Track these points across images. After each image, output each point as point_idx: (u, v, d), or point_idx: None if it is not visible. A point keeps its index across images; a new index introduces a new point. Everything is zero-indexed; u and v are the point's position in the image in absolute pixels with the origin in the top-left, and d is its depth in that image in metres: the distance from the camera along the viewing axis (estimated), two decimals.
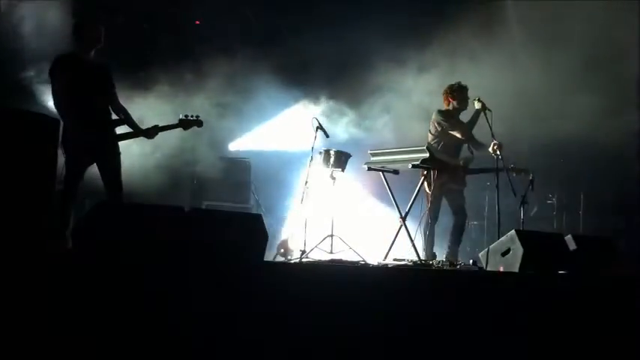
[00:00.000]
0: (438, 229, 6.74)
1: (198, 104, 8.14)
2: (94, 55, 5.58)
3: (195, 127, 6.15)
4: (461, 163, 6.67)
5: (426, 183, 6.53)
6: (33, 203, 4.32)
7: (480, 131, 6.77)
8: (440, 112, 6.75)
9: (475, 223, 9.22)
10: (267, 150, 9.68)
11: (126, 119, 5.66)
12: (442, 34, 8.77)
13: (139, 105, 7.08)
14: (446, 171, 6.52)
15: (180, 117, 6.05)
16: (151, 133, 5.79)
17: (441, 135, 6.67)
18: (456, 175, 6.62)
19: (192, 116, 6.05)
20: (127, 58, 8.02)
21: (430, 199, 6.61)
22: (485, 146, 6.71)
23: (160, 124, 5.93)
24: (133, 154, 6.56)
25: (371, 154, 6.60)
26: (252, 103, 9.40)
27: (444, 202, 6.79)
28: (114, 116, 5.66)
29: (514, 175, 6.69)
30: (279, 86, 9.12)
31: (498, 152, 6.46)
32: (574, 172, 9.65)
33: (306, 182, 6.96)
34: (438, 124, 6.69)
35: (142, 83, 8.06)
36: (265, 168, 9.27)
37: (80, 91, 5.37)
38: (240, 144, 9.86)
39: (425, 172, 6.49)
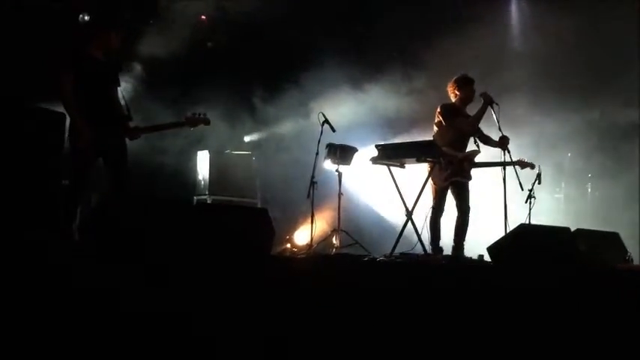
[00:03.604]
0: (447, 223, 6.72)
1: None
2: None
3: (202, 125, 6.10)
4: (467, 156, 6.65)
5: (431, 176, 6.52)
6: (38, 196, 4.34)
7: (487, 125, 6.76)
8: (443, 106, 6.72)
9: (481, 217, 9.20)
10: (276, 143, 9.68)
11: (129, 115, 5.65)
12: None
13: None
14: (451, 164, 6.51)
15: (188, 115, 6.01)
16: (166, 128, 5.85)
17: (446, 129, 6.65)
18: (462, 168, 6.61)
19: (199, 114, 6.00)
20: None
21: (435, 192, 6.60)
22: (492, 140, 6.70)
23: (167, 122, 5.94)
24: (138, 150, 6.56)
25: (377, 148, 6.58)
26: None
27: (450, 196, 6.77)
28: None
29: (520, 168, 6.68)
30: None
31: (505, 146, 6.46)
32: (581, 165, 9.63)
33: (313, 177, 6.96)
34: (442, 118, 6.67)
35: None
36: (272, 163, 9.28)
37: (89, 86, 5.36)
38: (255, 136, 9.89)
39: (431, 166, 6.48)
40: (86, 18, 5.41)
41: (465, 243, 6.70)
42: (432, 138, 6.67)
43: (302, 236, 8.18)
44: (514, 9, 10.02)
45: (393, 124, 9.02)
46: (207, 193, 8.76)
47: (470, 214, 6.69)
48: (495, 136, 6.64)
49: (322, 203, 7.68)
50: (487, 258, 5.72)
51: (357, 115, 8.96)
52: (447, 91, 6.89)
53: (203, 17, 9.34)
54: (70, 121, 5.21)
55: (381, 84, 9.15)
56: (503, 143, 6.49)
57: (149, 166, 7.95)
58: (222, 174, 8.84)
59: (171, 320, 3.36)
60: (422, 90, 8.61)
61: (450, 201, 6.74)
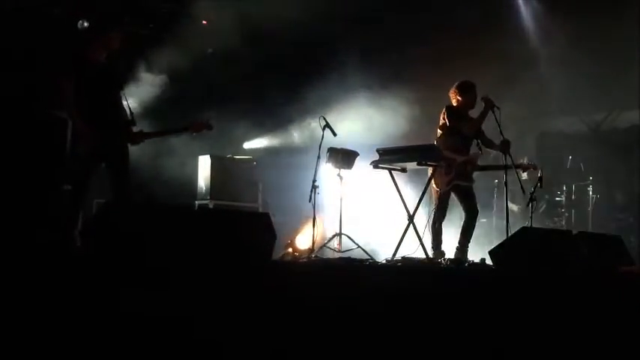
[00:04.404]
0: (449, 227, 6.71)
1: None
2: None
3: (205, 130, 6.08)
4: (469, 159, 6.65)
5: (433, 180, 6.52)
6: (40, 200, 4.34)
7: (488, 129, 6.76)
8: (449, 107, 6.73)
9: (483, 220, 9.21)
10: (278, 148, 9.70)
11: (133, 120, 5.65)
12: None
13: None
14: (453, 168, 6.51)
15: (191, 120, 5.99)
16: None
17: (449, 132, 6.65)
18: (464, 171, 6.60)
19: (202, 119, 5.99)
20: None
21: (437, 196, 6.60)
22: (494, 143, 6.70)
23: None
24: (139, 154, 6.58)
25: (378, 152, 6.58)
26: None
27: (454, 199, 6.76)
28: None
29: (523, 172, 6.68)
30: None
31: (507, 150, 6.46)
32: (583, 168, 9.63)
33: (314, 181, 6.96)
34: (445, 120, 6.66)
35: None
36: (273, 167, 9.28)
37: (91, 90, 5.35)
38: (255, 143, 9.90)
39: (432, 170, 6.48)
40: (85, 24, 5.39)
41: (468, 247, 6.69)
42: (433, 142, 6.67)
43: (303, 240, 8.17)
44: (521, 13, 10.04)
45: (400, 130, 9.04)
46: (208, 197, 8.75)
47: (476, 218, 6.69)
48: (497, 140, 6.64)
49: (324, 207, 7.67)
50: (489, 261, 5.72)
51: (361, 121, 8.98)
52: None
53: (204, 22, 9.34)
54: (73, 126, 5.21)
55: (387, 90, 9.18)
56: (504, 147, 6.49)
57: (150, 170, 7.96)
58: (224, 179, 8.83)
59: (173, 325, 3.36)
60: (428, 98, 8.61)
61: (451, 205, 6.74)
